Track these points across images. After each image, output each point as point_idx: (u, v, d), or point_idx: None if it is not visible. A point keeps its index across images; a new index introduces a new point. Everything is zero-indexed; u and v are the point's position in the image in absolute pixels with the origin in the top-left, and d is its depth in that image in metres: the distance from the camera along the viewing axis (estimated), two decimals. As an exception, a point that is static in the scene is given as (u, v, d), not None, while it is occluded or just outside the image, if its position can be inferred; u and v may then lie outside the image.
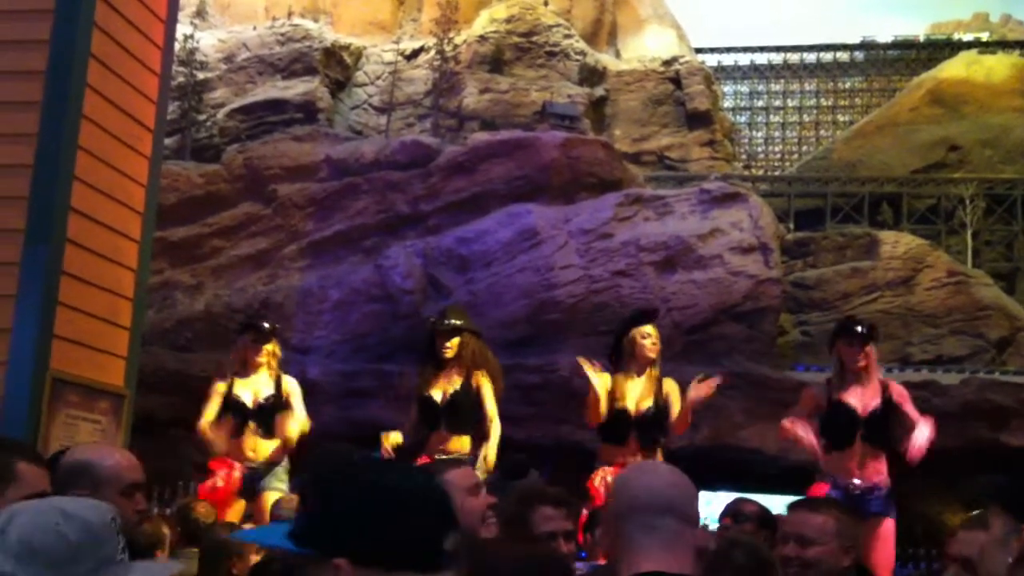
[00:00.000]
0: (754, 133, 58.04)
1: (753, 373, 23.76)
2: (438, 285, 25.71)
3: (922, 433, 5.23)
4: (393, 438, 6.05)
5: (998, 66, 45.52)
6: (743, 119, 57.32)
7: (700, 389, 5.65)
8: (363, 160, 29.41)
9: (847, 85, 57.75)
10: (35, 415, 4.48)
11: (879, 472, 5.41)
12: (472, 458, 5.91)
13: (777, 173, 50.77)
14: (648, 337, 5.87)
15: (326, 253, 27.63)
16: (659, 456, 5.90)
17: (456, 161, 28.70)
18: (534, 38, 39.27)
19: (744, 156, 53.53)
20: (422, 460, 5.77)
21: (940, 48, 53.56)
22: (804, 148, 55.58)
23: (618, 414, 5.72)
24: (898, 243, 32.17)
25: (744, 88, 58.26)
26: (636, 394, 5.77)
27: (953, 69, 45.61)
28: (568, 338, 24.07)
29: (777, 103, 58.00)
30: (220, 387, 6.21)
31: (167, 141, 26.90)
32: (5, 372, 4.50)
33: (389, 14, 41.04)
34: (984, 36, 56.30)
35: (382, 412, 20.98)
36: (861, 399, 5.41)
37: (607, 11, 43.11)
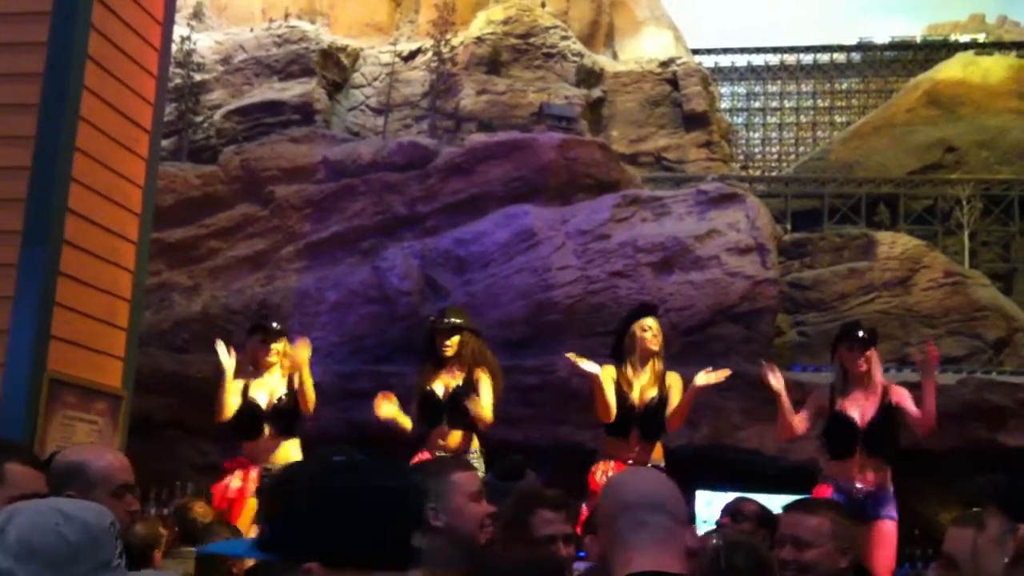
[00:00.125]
0: (751, 134, 58.09)
1: (751, 374, 23.46)
2: (436, 286, 25.70)
3: (927, 402, 5.29)
4: (386, 409, 5.96)
5: (995, 67, 45.56)
6: (740, 120, 57.36)
7: (709, 377, 5.67)
8: (360, 161, 29.39)
9: (844, 86, 57.81)
10: (32, 416, 4.49)
11: (881, 477, 5.44)
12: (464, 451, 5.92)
13: (774, 174, 50.79)
14: (648, 330, 5.88)
15: (323, 254, 27.61)
16: (659, 450, 5.91)
17: (453, 162, 28.69)
18: (531, 40, 39.27)
19: (741, 157, 53.56)
20: (422, 455, 5.77)
21: (937, 49, 53.62)
22: (801, 149, 55.63)
23: (623, 407, 5.73)
24: (895, 244, 32.18)
25: (741, 89, 58.30)
26: (640, 388, 5.77)
27: (950, 70, 45.64)
28: (566, 339, 24.03)
29: (774, 104, 58.05)
30: (234, 383, 6.15)
31: (164, 143, 26.92)
32: (2, 373, 4.51)
33: (386, 16, 41.04)
34: (980, 37, 56.38)
35: (380, 413, 20.97)
36: (861, 408, 5.44)
37: (604, 13, 43.11)
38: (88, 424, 4.85)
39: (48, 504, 1.91)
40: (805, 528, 3.25)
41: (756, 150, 58.07)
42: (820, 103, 57.69)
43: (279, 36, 37.71)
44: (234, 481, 6.03)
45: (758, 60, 57.70)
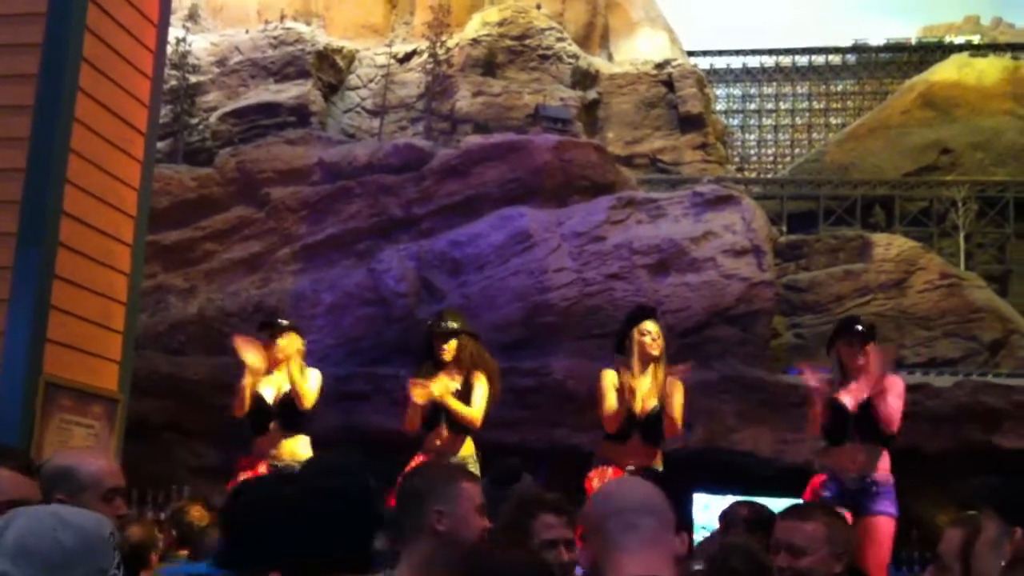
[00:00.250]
0: (746, 136, 58.11)
1: (747, 376, 23.79)
2: (431, 288, 25.70)
3: (885, 403, 5.29)
4: (420, 393, 5.89)
5: (989, 69, 45.61)
6: (735, 122, 57.38)
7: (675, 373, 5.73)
8: (356, 163, 29.38)
9: (839, 88, 57.83)
10: (28, 420, 4.48)
11: (877, 467, 5.40)
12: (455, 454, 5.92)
13: (770, 176, 50.83)
14: (648, 334, 5.87)
15: (319, 257, 27.60)
16: (659, 457, 5.89)
17: (449, 164, 28.69)
18: (527, 41, 39.28)
19: (737, 159, 53.57)
20: (419, 458, 5.76)
21: (931, 51, 53.66)
22: (796, 151, 55.65)
23: (623, 412, 5.73)
24: (891, 246, 32.21)
25: (736, 91, 58.33)
26: (641, 392, 5.76)
27: (944, 72, 45.69)
28: (562, 341, 24.08)
29: (769, 106, 58.08)
30: (248, 380, 6.18)
31: (159, 144, 26.88)
32: (-2, 377, 4.49)
33: (381, 17, 41.03)
34: (975, 39, 56.44)
35: (376, 416, 20.99)
36: (854, 395, 5.42)
37: (599, 14, 43.13)
38: (84, 428, 4.84)
39: (48, 510, 1.93)
40: (799, 535, 3.26)
41: (752, 152, 58.10)
42: (815, 105, 57.73)
43: (275, 38, 37.68)
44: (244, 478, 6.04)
45: (753, 62, 57.73)
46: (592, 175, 28.99)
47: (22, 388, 4.45)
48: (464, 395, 5.93)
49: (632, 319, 6.00)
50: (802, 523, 3.28)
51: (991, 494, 2.83)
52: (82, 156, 4.88)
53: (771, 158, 57.47)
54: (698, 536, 6.75)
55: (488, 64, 38.43)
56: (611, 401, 5.69)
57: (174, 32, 29.64)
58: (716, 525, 4.60)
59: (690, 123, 40.81)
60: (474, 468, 5.81)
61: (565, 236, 26.25)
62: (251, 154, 30.28)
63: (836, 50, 58.18)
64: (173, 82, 32.95)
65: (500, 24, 39.25)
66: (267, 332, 6.28)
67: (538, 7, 40.67)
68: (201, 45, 36.89)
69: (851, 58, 57.74)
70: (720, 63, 57.20)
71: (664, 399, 5.76)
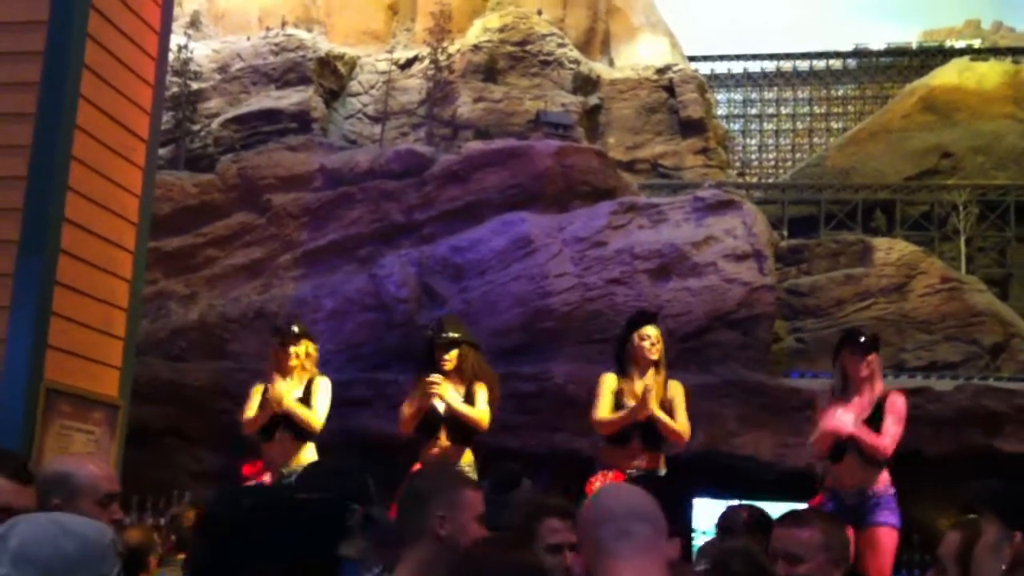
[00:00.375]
0: (748, 140, 58.15)
1: (748, 380, 23.77)
2: (432, 294, 25.70)
3: (880, 434, 5.27)
4: (440, 389, 5.83)
5: (990, 73, 45.65)
6: (737, 127, 57.43)
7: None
8: (357, 169, 29.41)
9: (840, 92, 57.88)
10: (29, 426, 4.48)
11: (877, 480, 5.39)
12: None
13: (771, 180, 50.85)
14: (647, 339, 5.86)
15: (320, 262, 27.62)
16: (662, 461, 5.87)
17: (450, 170, 28.72)
18: (528, 47, 39.33)
19: (738, 163, 53.63)
20: (416, 468, 5.75)
21: (932, 55, 53.74)
22: (797, 155, 55.70)
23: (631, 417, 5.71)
24: (892, 250, 32.22)
25: (737, 96, 58.39)
26: (655, 393, 5.75)
27: (945, 76, 45.73)
28: (563, 346, 24.08)
29: (770, 110, 58.13)
30: (258, 388, 6.17)
31: (161, 151, 26.91)
32: (-1, 383, 4.50)
33: (383, 24, 41.09)
34: (976, 43, 56.53)
35: (377, 421, 20.97)
36: (855, 411, 5.41)
37: (600, 20, 43.18)
38: (85, 434, 4.84)
39: (50, 517, 1.95)
40: (796, 542, 3.24)
41: (753, 157, 58.13)
42: (816, 109, 57.78)
43: (276, 44, 37.74)
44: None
45: (754, 67, 57.79)
46: (593, 180, 29.02)
47: (23, 394, 4.46)
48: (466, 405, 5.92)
49: (632, 324, 6.00)
50: (798, 530, 3.26)
51: (992, 498, 2.83)
52: (84, 163, 4.89)
53: (772, 162, 57.50)
54: (698, 541, 6.74)
55: (489, 70, 38.48)
56: (605, 406, 5.68)
57: (176, 39, 29.68)
58: (715, 530, 4.60)
59: (691, 128, 40.85)
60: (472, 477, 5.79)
61: (566, 241, 26.26)
62: (252, 160, 30.31)
63: (837, 54, 58.24)
64: (175, 89, 33.00)
65: (501, 30, 39.30)
66: (278, 339, 6.24)
67: (539, 13, 40.72)
68: (203, 52, 36.96)
69: (852, 62, 57.78)
70: (721, 68, 57.28)
71: (667, 403, 5.75)
